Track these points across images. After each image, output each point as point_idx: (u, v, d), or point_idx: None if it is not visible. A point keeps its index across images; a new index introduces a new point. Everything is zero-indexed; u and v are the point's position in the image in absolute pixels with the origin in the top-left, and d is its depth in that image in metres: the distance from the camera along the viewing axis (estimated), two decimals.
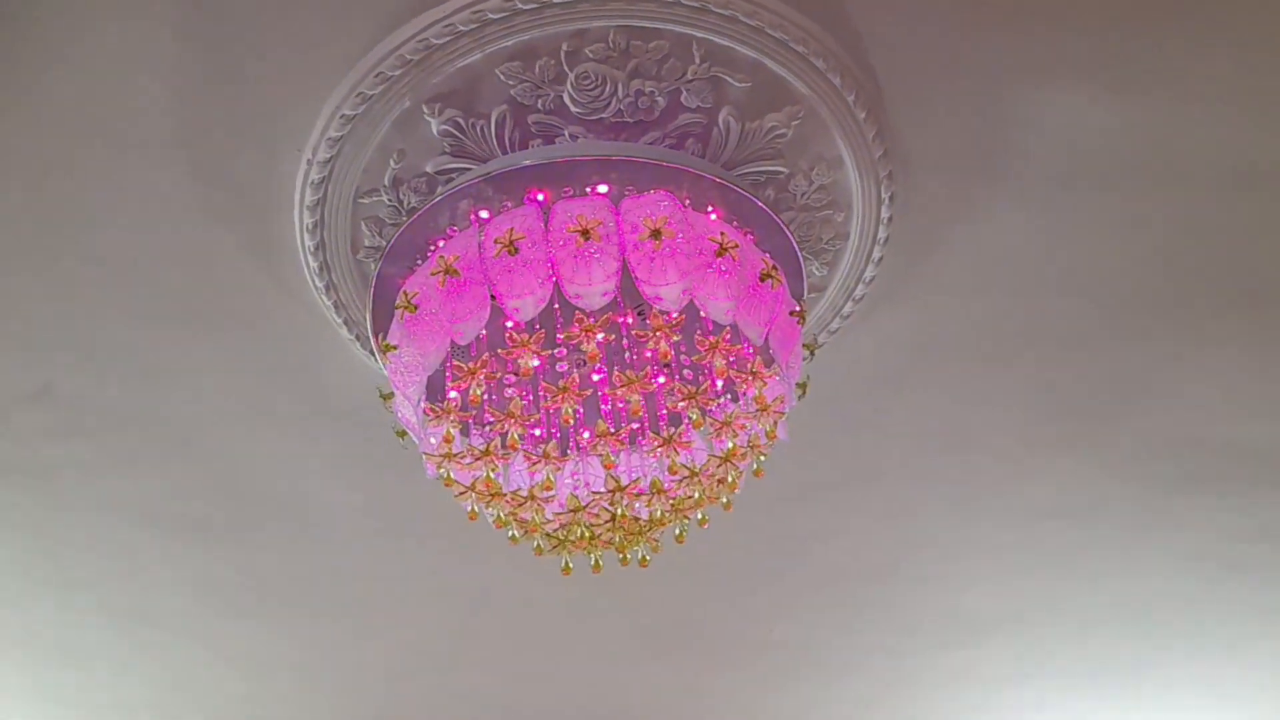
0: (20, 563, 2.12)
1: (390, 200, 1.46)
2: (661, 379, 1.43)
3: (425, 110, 1.37)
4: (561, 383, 1.26)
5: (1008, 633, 2.66)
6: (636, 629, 2.55)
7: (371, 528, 2.13)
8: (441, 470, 1.35)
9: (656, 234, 1.24)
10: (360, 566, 2.24)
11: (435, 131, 1.39)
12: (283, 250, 1.54)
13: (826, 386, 1.84)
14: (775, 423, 1.35)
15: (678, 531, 1.40)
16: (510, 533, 1.41)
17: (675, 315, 1.24)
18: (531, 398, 1.40)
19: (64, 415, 1.78)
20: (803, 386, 1.44)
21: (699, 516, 1.42)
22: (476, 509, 1.38)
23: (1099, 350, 1.85)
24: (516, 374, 1.32)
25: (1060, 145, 1.50)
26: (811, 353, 1.46)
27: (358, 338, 1.64)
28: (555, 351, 1.34)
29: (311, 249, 1.51)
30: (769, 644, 2.65)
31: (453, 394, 1.36)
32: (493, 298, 1.30)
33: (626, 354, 1.33)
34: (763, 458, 1.38)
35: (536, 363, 1.24)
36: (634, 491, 1.29)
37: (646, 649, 2.63)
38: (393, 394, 1.39)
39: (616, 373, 1.27)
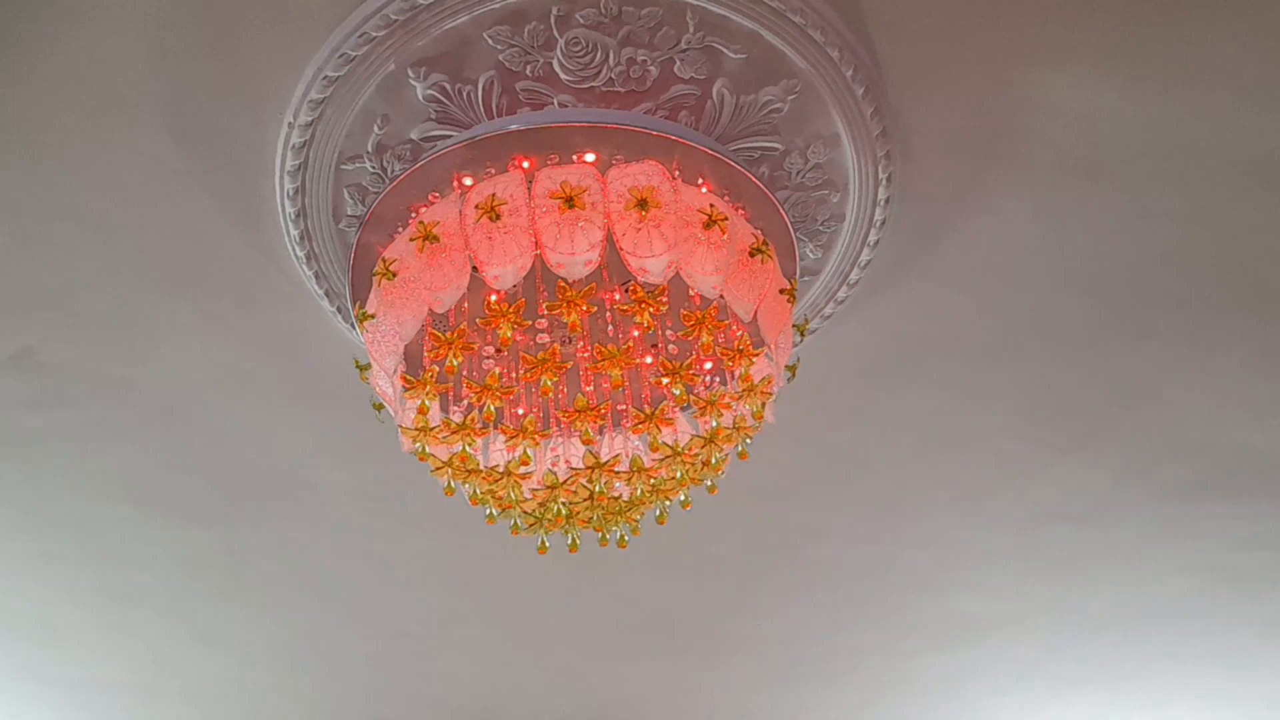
0: None
1: (374, 167, 1.42)
2: (649, 359, 1.39)
3: (410, 74, 1.33)
4: (541, 354, 1.21)
5: (1005, 637, 2.62)
6: (626, 623, 2.51)
7: (357, 509, 2.09)
8: (417, 444, 1.31)
9: (643, 203, 1.20)
10: (345, 548, 2.20)
11: (420, 96, 1.35)
12: (264, 217, 1.51)
13: (819, 375, 1.80)
14: (763, 404, 1.31)
15: (658, 513, 1.36)
16: (488, 511, 1.37)
17: (659, 285, 1.19)
18: (514, 374, 1.37)
19: (42, 383, 1.75)
20: (792, 369, 1.40)
21: (682, 498, 1.37)
22: (452, 485, 1.34)
23: (1105, 349, 1.80)
24: (496, 346, 1.29)
25: (1071, 133, 1.45)
26: (802, 334, 1.42)
27: (339, 310, 1.60)
28: (536, 323, 1.31)
29: (292, 216, 1.47)
30: (760, 642, 2.61)
31: (434, 366, 1.32)
32: (474, 268, 1.26)
33: (610, 327, 1.29)
34: (749, 440, 1.33)
35: (510, 333, 1.20)
36: (613, 469, 1.25)
37: (636, 643, 2.60)
38: (369, 365, 1.35)
39: (597, 346, 1.23)
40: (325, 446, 1.94)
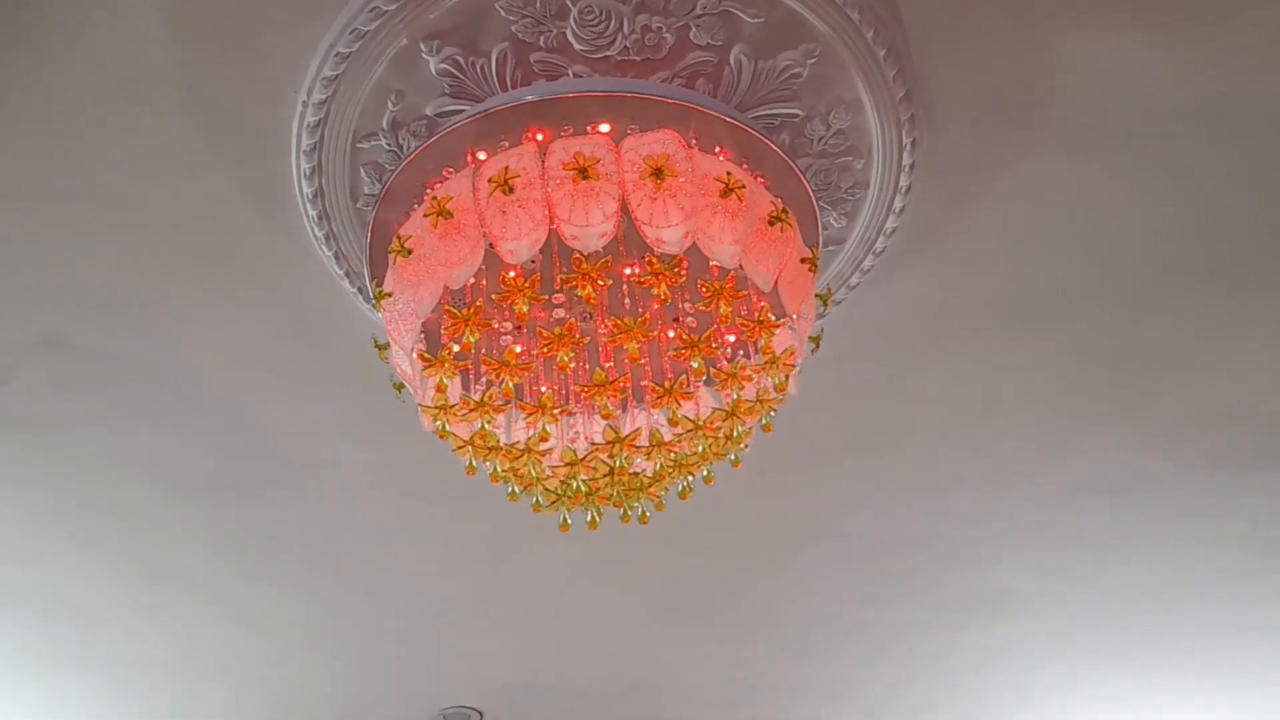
0: (28, 518, 2.11)
1: (390, 144, 1.41)
2: (670, 333, 1.37)
3: (423, 48, 1.31)
4: (558, 329, 1.20)
5: (1040, 611, 2.58)
6: (658, 598, 2.51)
7: (384, 487, 2.10)
8: (437, 422, 1.30)
9: (658, 172, 1.17)
10: (374, 526, 2.21)
11: (434, 71, 1.33)
12: (282, 198, 1.50)
13: (846, 347, 1.77)
14: (786, 376, 1.28)
15: (680, 487, 1.34)
16: (510, 489, 1.36)
17: (676, 256, 1.17)
18: (532, 350, 1.35)
19: (70, 367, 1.76)
20: (815, 340, 1.37)
21: (705, 474, 1.35)
22: (474, 464, 1.33)
23: (1139, 317, 1.76)
24: (514, 323, 1.27)
25: (1104, 91, 1.41)
26: (825, 303, 1.39)
27: (360, 290, 1.60)
28: (553, 299, 1.29)
29: (310, 196, 1.46)
30: (796, 617, 2.59)
31: (454, 345, 1.31)
32: (490, 244, 1.24)
33: (627, 300, 1.27)
34: (772, 413, 1.31)
35: (526, 308, 1.19)
36: (633, 444, 1.23)
37: (668, 619, 2.59)
38: (389, 344, 1.34)
39: (613, 319, 1.21)
40: (349, 426, 1.94)
